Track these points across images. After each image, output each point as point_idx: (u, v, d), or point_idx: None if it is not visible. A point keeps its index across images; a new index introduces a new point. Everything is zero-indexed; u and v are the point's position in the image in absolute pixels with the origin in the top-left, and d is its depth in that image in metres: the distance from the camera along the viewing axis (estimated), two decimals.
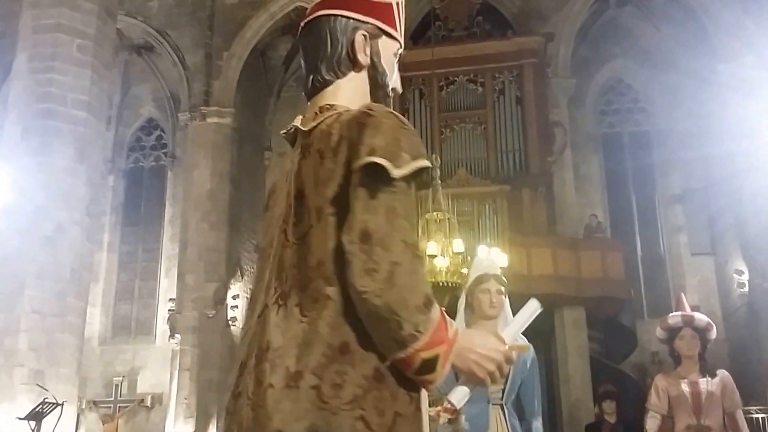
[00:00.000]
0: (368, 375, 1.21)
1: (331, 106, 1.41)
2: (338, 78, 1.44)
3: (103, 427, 14.16)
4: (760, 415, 9.77)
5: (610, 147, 15.39)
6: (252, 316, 1.36)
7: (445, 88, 13.62)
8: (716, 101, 12.21)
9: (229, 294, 13.93)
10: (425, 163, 1.26)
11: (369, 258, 1.18)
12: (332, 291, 1.23)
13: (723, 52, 12.25)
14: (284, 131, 1.49)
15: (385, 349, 1.21)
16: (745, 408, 7.72)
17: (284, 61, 16.37)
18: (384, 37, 1.45)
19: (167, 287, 15.18)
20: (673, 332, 4.40)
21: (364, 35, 1.43)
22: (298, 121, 1.44)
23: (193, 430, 12.67)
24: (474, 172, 12.84)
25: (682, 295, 4.88)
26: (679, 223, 14.43)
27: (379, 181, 1.22)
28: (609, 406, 7.64)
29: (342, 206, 1.24)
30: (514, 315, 1.60)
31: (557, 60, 13.95)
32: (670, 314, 4.54)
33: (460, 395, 1.36)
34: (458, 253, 8.76)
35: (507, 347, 1.30)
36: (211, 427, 12.77)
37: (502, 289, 3.48)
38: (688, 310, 4.48)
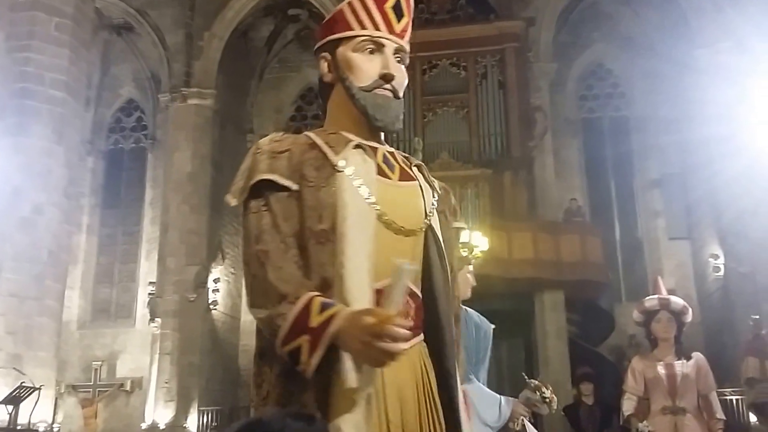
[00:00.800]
0: (278, 374, 1.40)
1: (317, 130, 1.58)
2: (326, 102, 1.60)
3: (81, 411, 14.08)
4: (733, 397, 9.97)
5: (590, 132, 15.50)
6: None
7: (428, 71, 13.61)
8: (695, 87, 12.31)
9: (210, 277, 13.89)
10: (254, 179, 1.44)
11: (244, 279, 1.43)
12: None
13: (701, 37, 12.34)
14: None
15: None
16: (719, 390, 7.82)
17: (267, 42, 16.23)
18: (341, 45, 1.55)
19: (147, 270, 15.08)
20: (649, 315, 4.48)
21: (324, 57, 1.58)
22: None
23: (174, 414, 12.67)
24: (456, 156, 12.88)
25: (659, 278, 4.95)
26: (657, 208, 14.60)
27: (246, 209, 1.47)
28: (587, 387, 7.76)
29: None
30: None
31: (539, 45, 13.99)
32: (647, 297, 4.62)
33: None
34: None
35: (385, 314, 1.27)
36: (191, 410, 12.77)
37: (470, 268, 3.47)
38: (664, 294, 4.56)
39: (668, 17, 13.54)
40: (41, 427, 8.82)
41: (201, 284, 13.48)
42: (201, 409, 12.77)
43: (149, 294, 14.12)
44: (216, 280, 14.04)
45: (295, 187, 1.44)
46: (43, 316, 9.31)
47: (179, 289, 13.25)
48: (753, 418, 8.99)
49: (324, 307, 1.32)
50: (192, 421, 12.69)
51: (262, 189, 1.44)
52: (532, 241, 11.61)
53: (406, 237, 1.50)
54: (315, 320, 1.31)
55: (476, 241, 9.30)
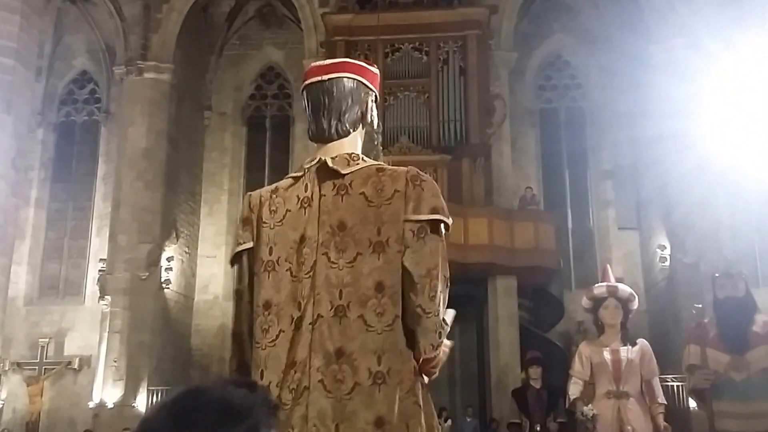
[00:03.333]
0: (412, 370, 1.62)
1: (358, 155, 1.74)
2: (354, 131, 1.77)
3: (27, 389, 13.80)
4: (675, 383, 10.33)
5: (547, 122, 15.74)
6: (281, 322, 1.64)
7: (390, 55, 13.58)
8: (649, 82, 12.58)
9: (164, 256, 13.68)
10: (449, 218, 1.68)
11: (431, 288, 1.59)
12: (398, 311, 1.60)
13: (656, 33, 12.59)
14: (309, 163, 1.74)
15: (423, 351, 1.61)
16: (662, 376, 8.07)
17: (227, 18, 15.94)
18: (375, 101, 1.83)
19: (98, 247, 14.77)
20: (597, 302, 4.60)
21: (374, 102, 1.82)
22: (328, 160, 1.71)
23: (122, 393, 12.49)
24: (416, 140, 12.92)
25: (608, 266, 5.09)
26: (608, 199, 14.95)
27: (437, 232, 1.64)
28: (535, 371, 7.91)
29: (400, 245, 1.62)
30: None
31: (500, 33, 14.09)
32: (596, 285, 4.75)
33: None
34: None
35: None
36: (141, 390, 12.61)
37: None
38: (612, 282, 4.69)
39: (626, 12, 13.78)
40: None
41: (153, 262, 13.27)
42: (151, 388, 12.62)
43: (99, 271, 13.85)
44: (169, 259, 13.84)
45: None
46: None
47: (131, 267, 13.02)
48: (692, 403, 9.34)
49: None
50: (141, 400, 12.53)
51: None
52: (488, 228, 11.76)
53: None
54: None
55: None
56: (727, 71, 11.39)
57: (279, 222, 1.70)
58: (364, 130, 1.80)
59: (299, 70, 14.74)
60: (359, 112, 1.76)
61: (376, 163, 1.74)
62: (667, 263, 12.84)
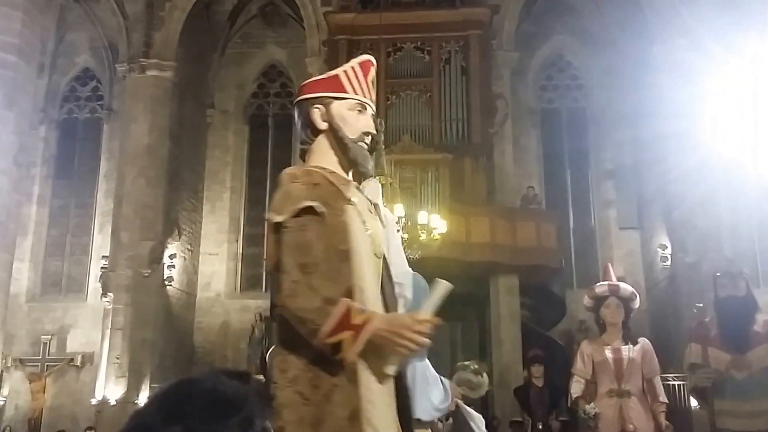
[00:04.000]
0: (309, 361, 1.73)
1: (314, 166, 1.94)
2: (311, 143, 2.00)
3: (29, 386, 13.83)
4: (676, 382, 10.35)
5: (549, 121, 15.75)
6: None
7: (392, 54, 13.60)
8: (651, 83, 12.59)
9: (166, 253, 13.71)
10: (300, 205, 1.78)
11: (279, 282, 1.74)
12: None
13: (659, 34, 12.60)
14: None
15: (309, 341, 1.70)
16: (663, 375, 8.07)
17: (230, 17, 15.96)
18: (335, 102, 1.97)
19: (101, 244, 14.80)
20: (599, 301, 4.63)
21: (318, 108, 1.97)
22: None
23: (125, 390, 12.52)
24: (418, 139, 12.94)
25: (609, 265, 5.11)
26: (610, 198, 14.98)
27: (279, 229, 1.79)
28: (537, 370, 7.94)
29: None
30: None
31: (502, 33, 14.10)
32: (598, 283, 4.78)
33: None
34: (399, 218, 8.89)
35: (418, 318, 1.72)
36: (143, 387, 12.64)
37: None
38: (614, 280, 4.72)
39: (628, 13, 13.78)
40: None
41: (156, 260, 13.30)
42: (153, 385, 12.65)
43: (102, 268, 13.87)
44: (172, 256, 13.87)
45: (324, 212, 1.81)
46: None
47: (133, 264, 13.04)
48: (694, 402, 9.35)
49: (361, 310, 1.70)
50: (144, 397, 12.56)
51: (301, 211, 1.80)
52: (490, 226, 11.79)
53: (378, 259, 1.91)
54: (357, 319, 1.67)
55: (435, 223, 9.41)
56: (730, 73, 11.39)
57: None
58: (330, 134, 1.97)
59: (302, 69, 14.76)
60: (306, 126, 2.00)
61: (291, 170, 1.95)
62: (669, 262, 12.86)
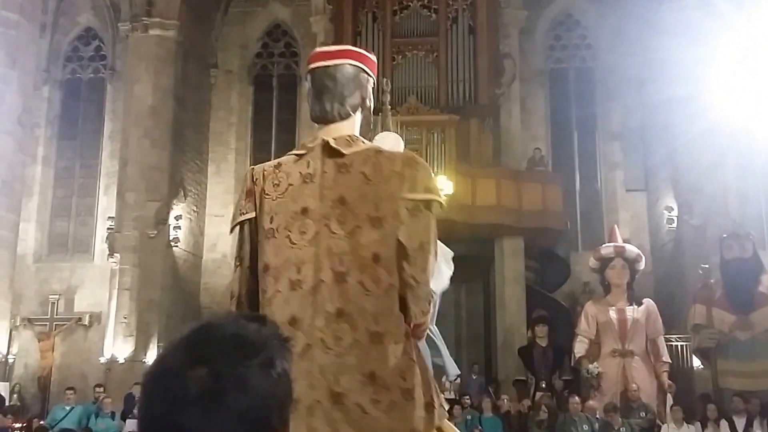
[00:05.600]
0: (404, 331, 1.77)
1: (357, 137, 1.91)
2: (354, 114, 1.94)
3: (38, 344, 14.02)
4: (679, 343, 10.40)
5: (556, 82, 15.55)
6: (278, 283, 1.81)
7: (398, 12, 13.37)
8: (659, 46, 12.37)
9: (172, 214, 13.73)
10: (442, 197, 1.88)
11: (423, 260, 1.77)
12: (394, 279, 1.76)
13: None
14: (311, 142, 1.91)
15: (414, 316, 1.78)
16: (667, 336, 8.12)
17: None
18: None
19: (106, 205, 14.82)
20: (604, 262, 4.64)
21: (372, 87, 1.98)
22: (330, 141, 1.87)
23: (133, 349, 12.69)
24: (424, 100, 12.82)
25: (615, 227, 5.12)
26: (617, 160, 14.86)
27: (429, 210, 1.81)
28: (541, 330, 8.01)
29: (396, 220, 1.77)
30: None
31: None
32: (603, 245, 4.79)
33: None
34: None
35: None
36: (151, 346, 12.80)
37: None
38: (620, 242, 4.72)
39: None
40: None
41: (162, 221, 13.33)
42: (161, 344, 12.82)
43: (108, 229, 13.92)
44: (177, 218, 13.89)
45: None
46: None
47: (139, 225, 13.09)
48: (697, 362, 9.42)
49: None
50: (151, 356, 12.73)
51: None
52: (496, 188, 11.74)
53: None
54: None
55: (441, 185, 9.37)
56: (739, 33, 11.18)
57: (281, 194, 1.86)
58: (362, 114, 1.96)
59: (306, 28, 14.53)
60: (360, 97, 1.93)
61: (374, 145, 1.94)
62: (675, 225, 12.82)
